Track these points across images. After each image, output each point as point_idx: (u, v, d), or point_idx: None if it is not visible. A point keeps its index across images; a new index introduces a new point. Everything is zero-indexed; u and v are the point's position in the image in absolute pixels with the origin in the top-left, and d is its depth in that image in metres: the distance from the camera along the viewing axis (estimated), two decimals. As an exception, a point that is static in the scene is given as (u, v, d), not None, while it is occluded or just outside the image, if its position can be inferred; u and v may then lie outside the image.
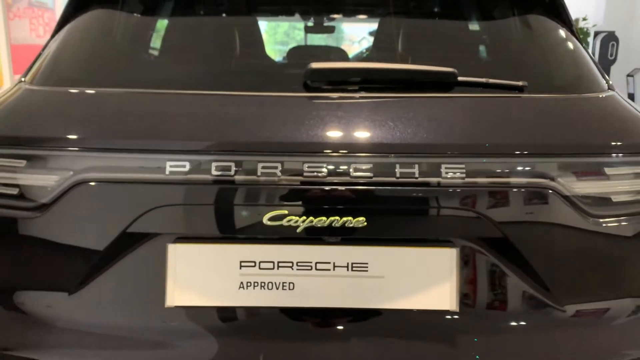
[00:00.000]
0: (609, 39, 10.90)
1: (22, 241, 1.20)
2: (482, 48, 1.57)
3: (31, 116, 1.28)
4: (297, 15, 2.71)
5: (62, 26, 1.49)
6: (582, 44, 1.49)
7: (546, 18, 1.47)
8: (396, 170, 1.10)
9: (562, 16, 1.50)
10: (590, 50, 11.16)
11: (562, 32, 1.46)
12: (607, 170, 1.19)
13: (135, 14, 1.57)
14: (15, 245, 1.20)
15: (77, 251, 1.17)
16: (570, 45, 1.45)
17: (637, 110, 1.33)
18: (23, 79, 1.42)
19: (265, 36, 2.06)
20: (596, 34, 11.13)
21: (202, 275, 1.15)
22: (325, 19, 2.62)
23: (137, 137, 1.16)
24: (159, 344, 1.15)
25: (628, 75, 10.77)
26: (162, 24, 1.65)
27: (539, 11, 1.49)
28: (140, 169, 1.12)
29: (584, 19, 12.25)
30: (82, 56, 1.46)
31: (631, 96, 10.80)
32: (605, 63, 11.08)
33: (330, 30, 3.02)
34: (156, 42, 1.60)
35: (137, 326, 1.16)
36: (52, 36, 1.51)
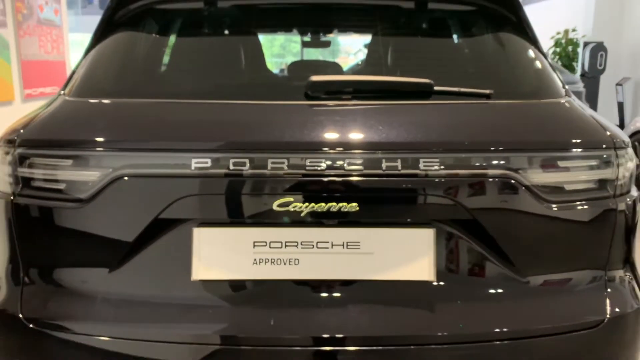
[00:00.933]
0: (598, 49, 11.12)
1: (69, 227, 1.39)
2: (458, 61, 1.79)
3: (73, 123, 1.49)
4: (295, 31, 2.92)
5: (92, 47, 1.70)
6: (545, 57, 1.70)
7: (513, 35, 1.68)
8: (382, 164, 1.30)
9: (527, 33, 1.70)
10: (579, 60, 11.41)
11: (527, 47, 1.67)
12: (561, 164, 1.40)
13: (155, 35, 1.78)
14: (64, 231, 1.39)
15: (116, 235, 1.35)
16: (534, 58, 1.65)
17: (588, 114, 1.54)
18: (62, 92, 1.63)
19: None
20: (585, 44, 11.34)
21: (221, 254, 1.34)
22: (321, 35, 2.83)
23: (166, 139, 1.36)
24: (185, 312, 1.34)
25: (617, 85, 10.99)
26: (179, 43, 1.86)
27: (507, 30, 1.71)
28: (170, 166, 1.32)
29: (574, 30, 12.50)
30: (111, 72, 1.67)
31: (620, 104, 11.00)
32: (595, 72, 11.32)
33: (326, 44, 3.20)
34: (175, 58, 1.81)
35: (167, 297, 1.34)
36: (84, 55, 1.72)
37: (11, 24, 4.85)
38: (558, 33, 12.60)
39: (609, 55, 11.16)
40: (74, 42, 6.84)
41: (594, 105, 11.37)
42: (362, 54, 4.57)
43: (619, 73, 11.38)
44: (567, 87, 1.66)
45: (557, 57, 12.40)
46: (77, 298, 1.36)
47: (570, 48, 12.26)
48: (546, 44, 12.95)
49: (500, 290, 1.35)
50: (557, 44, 12.50)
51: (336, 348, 1.28)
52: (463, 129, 1.38)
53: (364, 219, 1.31)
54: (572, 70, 12.20)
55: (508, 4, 1.70)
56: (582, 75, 11.45)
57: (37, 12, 5.27)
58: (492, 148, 1.33)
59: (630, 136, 5.83)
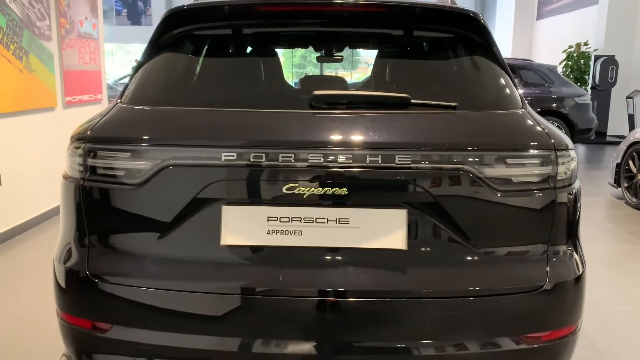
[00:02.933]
0: (609, 63, 11.32)
1: (126, 205, 1.77)
2: (435, 78, 2.15)
3: (129, 124, 1.88)
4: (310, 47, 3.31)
5: (142, 64, 2.10)
6: (509, 75, 2.03)
7: (482, 57, 2.03)
8: (367, 159, 1.67)
9: (494, 55, 2.03)
10: (591, 73, 11.57)
11: (493, 67, 2.00)
12: (509, 161, 1.74)
13: (191, 55, 2.18)
14: (121, 208, 1.77)
15: (163, 211, 1.73)
16: (498, 76, 1.99)
17: (537, 123, 1.87)
18: (119, 100, 2.03)
19: (284, 59, 2.65)
20: (597, 57, 11.53)
21: (243, 226, 1.70)
22: (333, 51, 3.20)
23: (202, 138, 1.74)
24: (215, 269, 1.70)
25: (628, 97, 11.16)
26: (211, 61, 2.25)
27: (478, 52, 2.05)
28: (205, 158, 1.69)
29: (586, 44, 12.72)
30: (156, 85, 2.05)
31: (631, 117, 11.17)
32: (606, 85, 11.53)
33: (338, 60, 3.57)
34: (207, 74, 2.19)
35: (201, 257, 1.71)
36: (135, 71, 2.12)
37: (55, 37, 5.30)
38: (570, 47, 12.83)
39: (620, 69, 11.36)
40: (107, 52, 7.32)
41: (604, 117, 11.56)
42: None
43: (630, 86, 11.57)
44: (524, 99, 2.01)
45: (569, 70, 12.62)
46: (131, 259, 1.75)
47: (582, 61, 12.47)
48: (559, 57, 13.20)
49: (458, 258, 1.71)
50: (569, 57, 12.72)
51: (331, 298, 1.65)
52: (431, 133, 1.76)
53: (352, 201, 1.69)
54: (583, 83, 12.41)
55: (479, 32, 2.07)
56: (593, 87, 11.66)
57: (77, 27, 5.74)
58: (453, 148, 1.70)
59: (629, 147, 6.11)
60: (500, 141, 1.76)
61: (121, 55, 26.90)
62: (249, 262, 1.71)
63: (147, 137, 1.75)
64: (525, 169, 1.75)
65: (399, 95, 1.82)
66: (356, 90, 2.47)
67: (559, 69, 12.63)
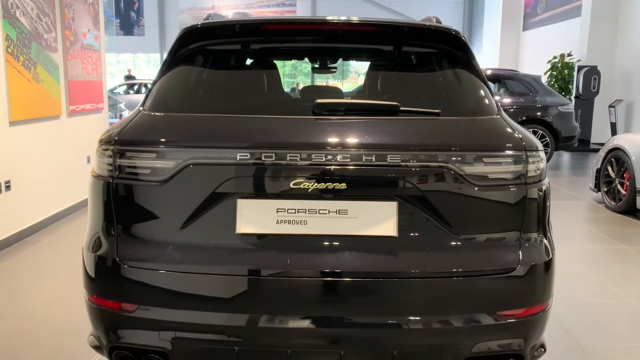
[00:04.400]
0: (592, 73, 11.70)
1: (153, 199, 1.99)
2: (422, 88, 2.41)
3: (152, 128, 2.11)
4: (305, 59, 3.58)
5: (161, 76, 2.35)
6: (487, 85, 2.29)
7: (463, 70, 2.29)
8: (363, 158, 1.92)
9: (474, 68, 2.29)
10: (574, 83, 11.93)
11: (472, 78, 2.26)
12: (485, 160, 2.00)
13: (204, 68, 2.42)
14: (147, 202, 1.98)
15: (185, 204, 1.94)
16: (477, 86, 2.24)
17: (510, 127, 2.12)
18: (141, 107, 2.27)
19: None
20: (580, 68, 11.92)
21: (255, 216, 1.93)
22: (327, 63, 3.47)
23: (219, 140, 1.97)
24: (230, 254, 1.92)
25: (610, 106, 11.55)
26: (222, 73, 2.49)
27: (459, 66, 2.31)
28: (222, 157, 1.92)
29: (569, 55, 13.13)
30: (174, 94, 2.29)
31: (613, 125, 11.56)
32: (589, 95, 11.92)
33: (332, 70, 3.83)
34: (219, 84, 2.42)
35: (218, 244, 1.93)
36: (154, 83, 2.36)
37: (61, 49, 5.52)
38: (555, 57, 13.22)
39: (602, 79, 11.75)
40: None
41: (588, 125, 11.94)
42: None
43: (612, 95, 11.97)
44: (500, 107, 2.28)
45: (554, 79, 13.00)
46: (156, 246, 1.98)
47: (566, 71, 12.86)
48: (545, 67, 13.61)
49: (442, 244, 1.96)
50: (553, 67, 13.11)
51: (332, 279, 1.88)
52: (418, 136, 2.01)
53: (350, 195, 1.93)
54: (568, 92, 12.79)
55: (460, 47, 2.34)
56: (577, 97, 12.05)
57: (81, 39, 5.98)
58: (437, 149, 1.96)
59: (607, 153, 6.43)
60: (478, 143, 2.02)
61: (113, 65, 27.05)
62: (260, 248, 1.95)
63: (170, 140, 1.99)
64: (499, 167, 2.00)
65: (390, 103, 2.09)
66: (350, 99, 2.75)
67: (544, 79, 13.04)
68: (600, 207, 6.51)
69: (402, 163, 1.93)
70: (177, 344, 1.94)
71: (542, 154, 2.13)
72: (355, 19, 2.36)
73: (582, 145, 11.42)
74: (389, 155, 1.93)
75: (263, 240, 1.96)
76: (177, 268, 1.95)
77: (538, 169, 2.08)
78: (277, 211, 1.95)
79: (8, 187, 4.59)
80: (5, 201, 4.55)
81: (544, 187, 2.11)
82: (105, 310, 2.04)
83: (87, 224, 2.16)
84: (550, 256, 2.09)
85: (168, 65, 2.33)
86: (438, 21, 2.58)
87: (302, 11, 24.77)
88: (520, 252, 2.01)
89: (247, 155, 1.93)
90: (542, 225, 2.11)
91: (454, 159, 1.95)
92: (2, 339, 2.98)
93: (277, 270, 1.91)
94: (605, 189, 6.46)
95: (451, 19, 26.41)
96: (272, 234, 1.95)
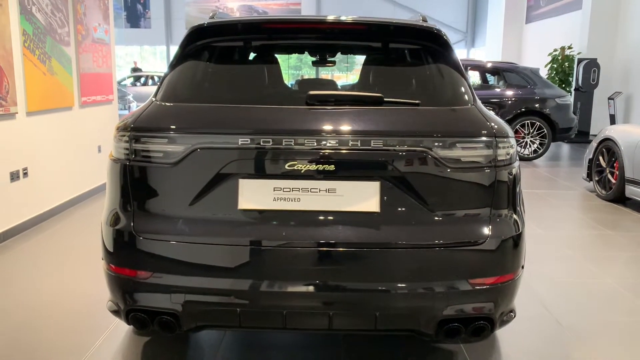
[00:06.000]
0: (591, 66, 11.85)
1: (165, 179, 2.22)
2: (405, 80, 2.65)
3: (164, 117, 2.37)
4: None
5: (171, 69, 2.59)
6: (465, 78, 2.53)
7: (443, 64, 2.52)
8: (349, 142, 2.17)
9: (454, 63, 2.51)
10: (574, 75, 12.08)
11: (451, 72, 2.47)
12: (458, 145, 2.24)
13: (211, 62, 2.67)
14: (160, 182, 2.23)
15: (194, 183, 2.19)
16: (455, 79, 2.46)
17: (483, 116, 2.35)
18: (154, 98, 2.52)
19: (281, 61, 3.17)
20: (580, 60, 12.07)
21: (255, 194, 2.17)
22: (326, 57, 3.72)
23: (223, 127, 2.22)
24: (233, 227, 2.16)
25: (609, 98, 11.71)
26: (226, 67, 2.74)
27: (440, 61, 2.53)
28: (226, 142, 2.17)
29: (569, 47, 13.28)
30: (183, 85, 2.55)
31: (612, 117, 11.72)
32: (588, 87, 12.08)
33: (332, 63, 4.08)
34: (224, 77, 2.66)
35: (222, 219, 2.18)
36: (165, 76, 2.61)
37: (73, 43, 5.78)
38: (555, 50, 13.38)
39: (601, 71, 11.91)
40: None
41: (587, 117, 12.11)
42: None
43: (611, 88, 12.12)
44: (477, 98, 2.52)
45: (554, 72, 13.16)
46: (168, 220, 2.24)
47: (566, 64, 13.01)
48: (546, 59, 13.77)
49: (419, 219, 2.21)
50: (553, 60, 13.27)
51: (322, 248, 2.13)
52: (399, 123, 2.26)
53: (338, 175, 2.18)
54: (568, 84, 12.96)
55: (442, 44, 2.58)
56: (577, 89, 12.22)
57: (92, 33, 6.23)
58: (416, 135, 2.20)
59: (599, 143, 6.65)
60: (453, 130, 2.26)
61: (120, 57, 27.31)
62: (259, 222, 2.21)
63: (180, 127, 2.25)
64: (472, 152, 2.25)
65: (375, 94, 2.34)
66: (345, 91, 3.00)
67: (545, 71, 13.20)
68: (592, 195, 6.73)
69: (384, 147, 2.18)
70: (186, 306, 2.20)
71: (512, 141, 2.37)
72: (347, 18, 2.61)
73: (582, 137, 11.60)
74: (372, 141, 2.18)
75: (262, 215, 2.21)
76: (186, 239, 2.21)
77: (508, 154, 2.32)
78: (274, 190, 2.21)
79: (25, 174, 4.87)
80: (23, 187, 4.83)
81: (513, 170, 2.35)
82: (123, 277, 2.29)
83: (105, 202, 2.43)
84: (519, 231, 2.33)
85: (177, 60, 2.58)
86: (424, 20, 2.83)
87: (306, 3, 24.94)
88: (490, 227, 2.25)
89: (247, 141, 2.18)
90: (512, 203, 2.35)
91: (430, 144, 2.20)
92: (29, 309, 3.27)
93: (274, 241, 2.17)
94: (596, 178, 6.68)
95: (456, 12, 26.54)
96: (269, 210, 2.21)
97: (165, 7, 27.54)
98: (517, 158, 2.43)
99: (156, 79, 19.54)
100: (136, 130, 2.28)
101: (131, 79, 19.95)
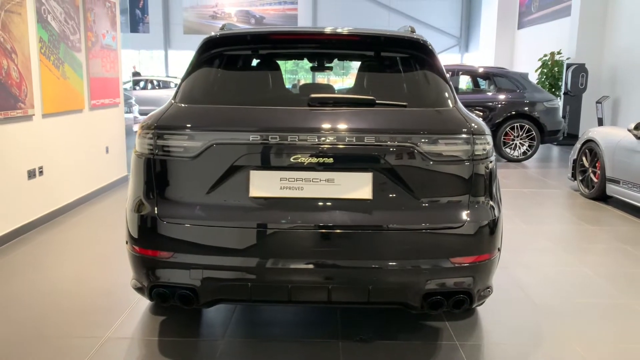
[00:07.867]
0: (580, 70, 12.23)
1: (185, 171, 2.53)
2: (394, 85, 2.98)
3: (184, 116, 2.69)
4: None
5: (188, 75, 2.92)
6: (447, 83, 2.85)
7: (428, 71, 2.84)
8: (346, 139, 2.49)
9: (438, 69, 2.84)
10: (563, 80, 12.44)
11: (435, 77, 2.79)
12: (440, 141, 2.57)
13: (223, 69, 2.99)
14: (180, 173, 2.54)
15: (210, 174, 2.50)
16: (438, 84, 2.80)
17: (462, 116, 2.68)
18: (173, 100, 2.85)
19: (280, 65, 3.53)
20: (568, 65, 12.44)
21: (263, 183, 2.49)
22: (324, 63, 4.06)
23: (236, 125, 2.54)
24: (245, 212, 2.47)
25: (597, 102, 12.08)
26: (237, 72, 3.07)
27: (426, 67, 2.85)
28: (238, 138, 2.48)
29: (559, 53, 13.68)
30: (199, 89, 2.87)
31: (600, 120, 12.08)
32: (577, 91, 12.47)
33: (329, 69, 4.42)
34: (235, 81, 2.99)
35: (236, 205, 2.48)
36: (182, 81, 2.93)
37: (84, 49, 6.10)
38: (545, 55, 13.77)
39: (589, 76, 12.29)
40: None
41: (576, 120, 12.50)
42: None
43: (599, 92, 12.50)
44: (458, 100, 2.86)
45: (544, 77, 13.55)
46: (187, 207, 2.55)
47: (556, 69, 13.40)
48: (536, 64, 14.15)
49: (406, 205, 2.54)
50: (544, 64, 13.65)
51: (322, 231, 2.44)
52: (388, 122, 2.60)
53: (336, 167, 2.50)
54: (557, 89, 13.34)
55: (428, 53, 2.91)
56: (566, 93, 12.60)
57: (101, 39, 6.55)
58: (403, 132, 2.53)
59: (582, 144, 7.00)
60: (436, 128, 2.60)
61: (119, 61, 27.51)
62: (267, 208, 2.53)
63: (198, 125, 2.57)
64: (451, 147, 2.57)
65: (367, 97, 2.69)
66: (341, 94, 3.36)
67: (535, 76, 13.58)
68: (576, 194, 7.08)
69: (375, 143, 2.51)
70: (203, 282, 2.52)
71: (489, 138, 2.70)
72: (344, 30, 2.94)
73: (571, 139, 11.96)
74: (365, 137, 2.51)
75: (270, 202, 2.54)
76: (203, 223, 2.52)
77: (484, 149, 2.65)
78: (281, 180, 2.53)
79: (41, 173, 5.18)
80: (38, 185, 5.15)
81: (490, 164, 2.68)
82: (147, 257, 2.60)
83: (129, 192, 2.75)
84: (495, 217, 2.66)
85: (193, 67, 2.91)
86: (413, 30, 3.18)
87: (303, 9, 25.36)
88: (468, 212, 2.58)
89: (257, 137, 2.51)
90: (489, 192, 2.67)
91: (416, 140, 2.53)
92: (49, 294, 3.59)
93: (280, 224, 2.49)
94: (580, 178, 7.03)
95: (450, 18, 26.97)
96: (276, 197, 2.53)
97: (163, 12, 27.87)
98: (494, 153, 2.77)
99: (155, 83, 19.83)
100: (159, 128, 2.59)
101: (130, 83, 20.24)
